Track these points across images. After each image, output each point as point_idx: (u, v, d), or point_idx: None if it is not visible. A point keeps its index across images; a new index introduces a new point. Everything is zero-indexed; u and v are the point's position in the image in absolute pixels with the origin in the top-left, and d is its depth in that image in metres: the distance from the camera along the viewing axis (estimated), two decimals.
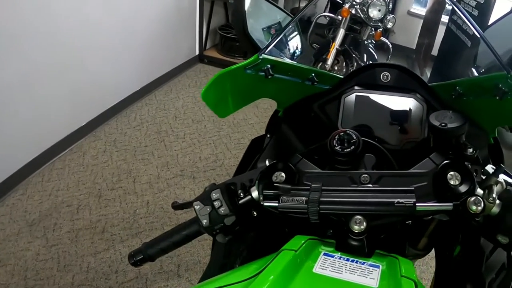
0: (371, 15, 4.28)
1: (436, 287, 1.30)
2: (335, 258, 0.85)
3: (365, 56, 4.28)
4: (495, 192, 0.86)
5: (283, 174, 0.99)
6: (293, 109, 1.42)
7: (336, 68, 4.31)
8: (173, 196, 3.69)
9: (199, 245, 3.20)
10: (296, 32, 1.73)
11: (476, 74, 1.60)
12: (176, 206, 1.12)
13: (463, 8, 4.46)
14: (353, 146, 1.00)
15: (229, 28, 6.20)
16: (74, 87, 4.04)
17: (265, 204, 0.97)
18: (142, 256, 1.10)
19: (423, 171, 0.96)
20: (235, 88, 1.20)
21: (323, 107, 1.36)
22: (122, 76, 4.80)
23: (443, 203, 0.87)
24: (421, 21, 7.28)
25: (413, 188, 0.90)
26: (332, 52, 4.25)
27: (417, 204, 0.85)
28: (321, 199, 0.90)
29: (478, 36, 1.08)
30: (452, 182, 0.88)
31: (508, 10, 3.28)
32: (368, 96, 1.32)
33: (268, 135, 1.44)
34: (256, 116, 4.97)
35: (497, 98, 1.01)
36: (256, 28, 1.58)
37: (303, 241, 0.91)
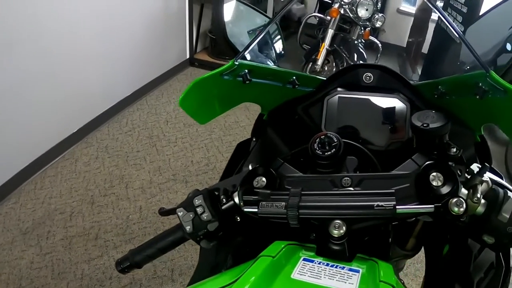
0: (360, 14, 4.30)
1: (426, 286, 1.30)
2: (315, 263, 0.84)
3: (355, 55, 4.28)
4: (479, 192, 0.86)
5: (264, 179, 1.00)
6: (278, 112, 1.41)
7: (326, 68, 4.32)
8: (166, 200, 3.69)
9: (192, 249, 3.20)
10: (278, 35, 1.72)
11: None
12: (163, 212, 1.12)
13: (452, 4, 4.49)
14: (334, 149, 1.00)
15: None
16: (64, 94, 4.04)
17: (245, 209, 0.98)
18: (129, 263, 1.11)
19: (405, 172, 0.96)
20: (214, 94, 1.20)
21: (307, 110, 1.36)
22: (113, 81, 4.79)
23: (424, 205, 0.87)
24: (411, 19, 7.29)
25: (393, 190, 0.89)
26: (322, 52, 4.26)
27: (397, 206, 0.84)
28: (300, 203, 0.89)
29: (457, 36, 1.08)
30: (434, 183, 0.88)
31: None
32: (351, 98, 1.31)
33: (254, 139, 1.44)
34: (247, 119, 4.97)
35: (478, 97, 1.01)
36: (241, 33, 1.58)
37: (281, 247, 0.90)
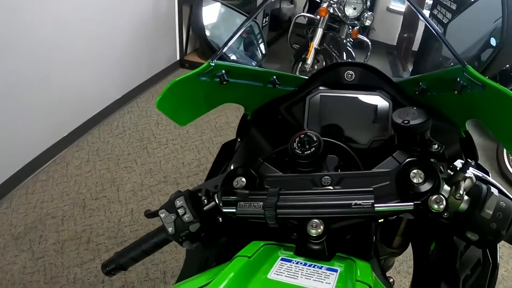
0: (347, 13, 4.31)
1: (414, 284, 1.29)
2: (293, 263, 0.84)
3: (344, 54, 4.29)
4: (462, 188, 0.86)
5: (243, 179, 1.00)
6: (261, 112, 1.41)
7: (316, 67, 4.32)
8: (157, 203, 3.68)
9: (184, 251, 3.17)
10: (259, 35, 1.71)
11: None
12: (148, 215, 1.11)
13: (441, 2, 4.50)
14: (313, 148, 1.00)
15: None
16: (54, 98, 4.04)
17: (224, 210, 0.98)
18: (114, 266, 1.11)
19: (385, 170, 0.95)
20: (193, 96, 1.19)
21: (289, 109, 1.35)
22: (103, 84, 4.79)
23: (403, 203, 0.86)
24: (401, 17, 7.29)
25: (372, 189, 0.89)
26: (311, 51, 4.27)
27: (375, 205, 0.84)
28: (278, 203, 0.89)
29: (435, 33, 1.08)
30: (415, 181, 0.87)
31: None
32: (332, 96, 1.31)
33: (239, 140, 1.43)
34: (238, 119, 4.88)
35: (456, 92, 1.00)
36: (223, 34, 1.58)
37: (258, 247, 0.91)
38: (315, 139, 1.01)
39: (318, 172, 1.01)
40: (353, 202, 0.86)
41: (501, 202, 0.85)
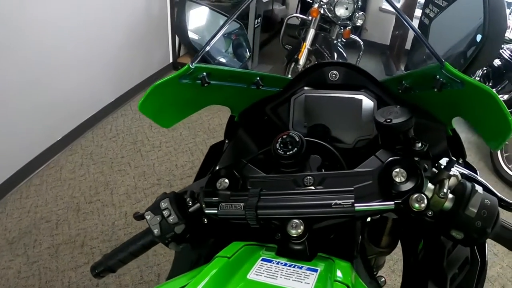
0: (338, 13, 4.32)
1: (404, 283, 1.29)
2: (273, 263, 0.84)
3: (335, 55, 4.30)
4: (446, 187, 0.86)
5: (226, 180, 1.01)
6: (248, 113, 1.41)
7: None
8: None
9: None
10: (243, 36, 1.70)
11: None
12: (137, 217, 1.11)
13: (433, 0, 4.50)
14: (295, 149, 1.00)
15: None
16: (47, 102, 4.04)
17: (206, 211, 0.99)
18: (103, 268, 1.12)
19: (367, 169, 0.95)
20: (176, 98, 1.19)
21: (275, 110, 1.35)
22: (96, 88, 4.78)
23: (384, 203, 0.86)
24: (394, 17, 7.31)
25: (352, 188, 0.89)
26: (304, 52, 4.27)
27: (356, 204, 0.84)
28: (259, 204, 0.90)
29: (413, 31, 1.07)
30: (397, 179, 0.87)
31: None
32: (317, 96, 1.31)
33: (227, 141, 1.44)
34: None
35: (436, 90, 1.00)
36: (208, 36, 1.57)
37: (238, 247, 0.91)
38: (298, 140, 1.02)
39: (302, 173, 1.01)
40: (333, 202, 0.86)
41: (486, 200, 0.85)
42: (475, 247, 1.09)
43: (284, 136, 1.03)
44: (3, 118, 3.57)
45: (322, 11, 4.33)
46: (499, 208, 0.88)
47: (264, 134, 1.28)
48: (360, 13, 4.42)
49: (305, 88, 1.33)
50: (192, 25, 1.45)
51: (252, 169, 1.06)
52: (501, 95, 4.95)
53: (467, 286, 1.07)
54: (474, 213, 0.83)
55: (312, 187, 0.96)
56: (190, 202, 1.04)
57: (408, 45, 7.34)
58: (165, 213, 1.01)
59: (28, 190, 3.85)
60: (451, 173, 0.89)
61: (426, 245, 1.19)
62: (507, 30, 7.41)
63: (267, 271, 0.80)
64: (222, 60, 1.54)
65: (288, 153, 1.00)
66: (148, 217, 1.03)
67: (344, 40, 4.77)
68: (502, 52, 5.17)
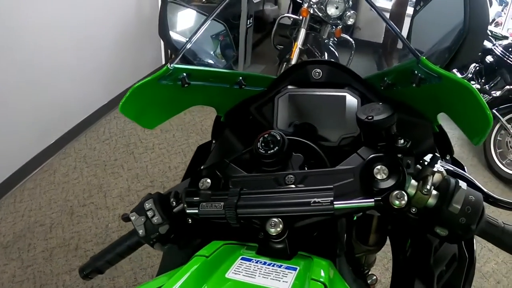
0: (329, 12, 4.32)
1: (393, 281, 1.29)
2: (252, 262, 0.85)
3: (326, 54, 4.30)
4: (430, 183, 0.86)
5: (208, 180, 1.01)
6: (234, 113, 1.41)
7: None
8: None
9: None
10: (227, 36, 1.69)
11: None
12: (125, 218, 1.11)
13: None
14: (276, 147, 1.00)
15: None
16: (40, 106, 4.04)
17: (188, 211, 0.99)
18: (91, 269, 1.12)
19: (349, 167, 0.95)
20: (158, 99, 1.17)
21: (260, 109, 1.35)
22: (88, 90, 4.78)
23: (363, 200, 0.86)
24: (387, 14, 7.31)
25: (331, 186, 0.89)
26: (295, 52, 4.27)
27: (335, 202, 0.84)
28: (239, 203, 0.90)
29: (390, 28, 1.07)
30: (378, 177, 0.88)
31: None
32: (300, 95, 1.31)
33: (214, 141, 1.44)
34: None
35: (414, 85, 1.00)
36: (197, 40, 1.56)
37: (217, 247, 0.91)
38: (279, 138, 1.02)
39: (284, 171, 1.01)
40: (312, 200, 0.86)
41: (470, 196, 0.84)
42: (463, 243, 1.08)
43: (265, 135, 1.03)
44: None
45: (312, 11, 4.34)
46: (488, 205, 0.89)
47: (250, 134, 1.25)
48: (351, 12, 4.42)
49: (289, 87, 1.33)
50: (174, 26, 1.44)
51: (234, 169, 1.06)
52: (494, 92, 4.96)
53: (455, 283, 1.07)
54: (457, 210, 0.83)
55: (293, 186, 0.96)
56: (174, 203, 1.04)
57: (401, 44, 7.32)
58: (149, 213, 1.01)
59: (22, 194, 3.85)
60: (435, 169, 0.88)
61: (413, 243, 1.18)
62: (500, 27, 7.45)
63: (245, 270, 0.80)
64: (207, 60, 1.54)
65: (269, 152, 1.00)
66: (133, 218, 1.03)
67: (336, 40, 4.77)
68: (494, 48, 5.18)
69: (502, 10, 8.50)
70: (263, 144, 1.02)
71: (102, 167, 4.25)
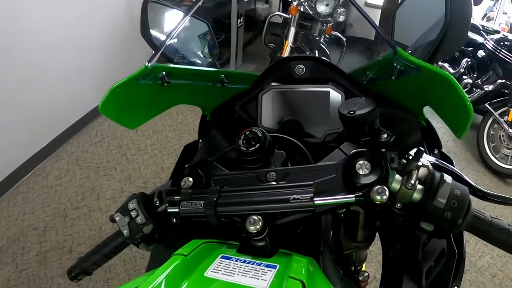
0: (319, 10, 4.31)
1: (383, 276, 1.24)
2: (232, 260, 0.84)
3: (316, 52, 4.29)
4: (414, 178, 0.84)
5: (190, 179, 1.00)
6: (219, 111, 1.41)
7: None
8: None
9: None
10: (209, 34, 1.68)
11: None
12: (112, 219, 1.09)
13: None
14: (258, 144, 1.00)
15: None
16: (32, 109, 4.02)
17: (169, 210, 0.98)
18: (78, 271, 1.12)
19: (331, 163, 0.94)
20: (139, 99, 1.17)
21: (244, 107, 1.35)
22: (80, 93, 4.75)
23: (344, 196, 0.85)
24: (379, 11, 7.30)
25: (311, 182, 0.88)
26: (286, 50, 4.26)
27: (314, 198, 0.83)
28: (219, 201, 0.90)
29: (368, 21, 1.06)
30: (360, 172, 0.86)
31: None
32: (284, 91, 1.31)
33: (201, 141, 1.43)
34: None
35: (393, 77, 1.00)
36: (182, 40, 1.55)
37: (196, 245, 0.91)
38: (260, 135, 1.01)
39: (266, 169, 1.00)
40: (291, 196, 0.85)
41: (455, 190, 0.83)
42: (452, 238, 1.07)
43: (246, 133, 1.03)
44: None
45: (302, 9, 4.33)
46: (479, 199, 0.89)
47: (235, 132, 1.23)
48: (342, 9, 4.41)
49: (272, 83, 1.33)
50: (156, 26, 1.44)
51: (217, 167, 1.05)
52: (486, 86, 4.97)
53: (444, 278, 1.05)
54: (443, 204, 0.82)
55: (274, 183, 0.95)
56: (157, 202, 1.03)
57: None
58: (133, 213, 1.00)
59: (15, 198, 3.84)
60: (420, 163, 0.87)
61: (401, 238, 1.17)
62: (491, 22, 7.46)
63: (225, 268, 0.80)
64: (191, 59, 1.53)
65: (250, 149, 1.00)
66: (117, 219, 1.03)
67: (327, 37, 4.76)
68: (486, 43, 5.20)
69: (494, 5, 8.50)
70: (244, 142, 1.02)
71: (94, 169, 4.25)
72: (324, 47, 4.50)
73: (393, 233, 1.22)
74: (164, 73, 1.12)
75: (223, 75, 1.29)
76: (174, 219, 1.01)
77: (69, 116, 4.68)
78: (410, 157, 0.89)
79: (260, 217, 0.86)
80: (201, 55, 1.63)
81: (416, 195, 0.86)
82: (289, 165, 1.07)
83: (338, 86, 1.28)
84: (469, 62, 5.34)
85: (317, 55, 4.20)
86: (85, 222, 3.59)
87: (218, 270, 0.79)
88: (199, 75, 1.27)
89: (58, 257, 3.26)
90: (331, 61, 1.36)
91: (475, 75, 5.29)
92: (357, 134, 0.98)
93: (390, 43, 0.97)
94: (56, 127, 4.50)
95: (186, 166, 1.07)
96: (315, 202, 0.84)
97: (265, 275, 0.77)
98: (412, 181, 0.84)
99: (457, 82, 0.84)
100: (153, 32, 1.42)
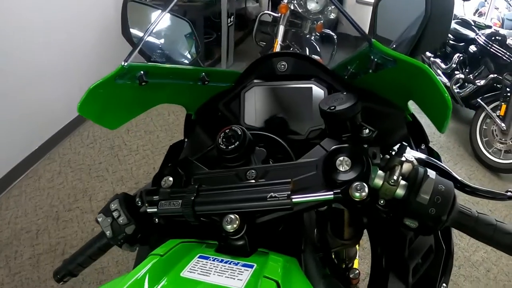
0: (309, 8, 4.30)
1: (372, 273, 1.26)
2: (209, 260, 0.83)
3: (307, 50, 4.29)
4: (397, 174, 0.83)
5: (170, 178, 0.99)
6: (204, 110, 1.40)
7: None
8: None
9: None
10: (190, 32, 1.67)
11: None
12: (97, 220, 1.08)
13: None
14: (237, 142, 0.99)
15: None
16: (22, 112, 4.02)
17: (148, 210, 0.98)
18: (64, 273, 1.12)
19: (311, 160, 0.93)
20: (118, 99, 1.16)
21: (228, 105, 1.34)
22: (71, 94, 4.63)
23: (323, 193, 0.84)
24: (371, 8, 7.29)
25: (289, 180, 0.86)
26: (276, 48, 4.26)
27: (292, 196, 0.82)
28: (197, 200, 0.89)
29: (344, 16, 1.05)
30: (341, 168, 0.85)
31: None
32: (267, 88, 1.31)
33: (186, 140, 1.43)
34: None
35: (371, 71, 1.00)
36: (155, 36, 1.54)
37: (173, 245, 0.90)
38: (240, 133, 1.01)
39: (247, 166, 1.00)
40: (269, 194, 0.84)
41: (439, 186, 0.81)
42: (440, 234, 1.06)
43: (226, 131, 1.02)
44: None
45: (292, 7, 4.32)
46: (465, 195, 0.88)
47: (219, 131, 1.26)
48: (332, 6, 4.41)
49: (255, 81, 1.32)
50: (136, 25, 1.43)
51: (198, 166, 1.05)
52: (478, 81, 4.97)
53: (432, 275, 1.04)
54: (426, 200, 0.80)
55: (253, 181, 0.94)
56: (139, 203, 1.02)
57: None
58: (115, 214, 1.00)
59: (8, 202, 3.84)
60: (403, 159, 0.85)
61: (388, 235, 1.14)
62: (483, 17, 7.46)
63: (201, 268, 0.79)
64: (173, 58, 1.52)
65: (230, 147, 0.99)
66: (100, 219, 1.03)
67: (318, 35, 4.75)
68: (477, 38, 5.20)
69: (486, 0, 8.51)
70: (224, 140, 1.02)
71: (86, 171, 4.24)
72: (315, 44, 4.50)
73: (380, 230, 1.20)
74: (142, 72, 1.11)
75: (203, 73, 1.28)
76: (156, 219, 1.00)
77: (61, 118, 4.66)
78: (394, 153, 0.87)
79: (237, 216, 0.85)
80: (185, 54, 1.62)
81: (399, 191, 0.83)
82: (271, 163, 1.06)
83: (321, 82, 1.27)
84: (461, 57, 5.35)
85: (307, 53, 4.20)
86: (77, 224, 3.58)
87: (195, 270, 0.79)
88: (178, 73, 1.27)
89: (51, 260, 3.26)
90: (323, 58, 1.36)
91: (467, 70, 5.30)
92: (338, 130, 0.98)
93: (365, 36, 0.97)
94: (48, 129, 4.49)
95: (168, 165, 1.06)
96: (293, 199, 0.83)
97: (241, 274, 0.77)
98: (395, 177, 0.83)
99: (433, 73, 0.83)
100: (133, 31, 1.40)
